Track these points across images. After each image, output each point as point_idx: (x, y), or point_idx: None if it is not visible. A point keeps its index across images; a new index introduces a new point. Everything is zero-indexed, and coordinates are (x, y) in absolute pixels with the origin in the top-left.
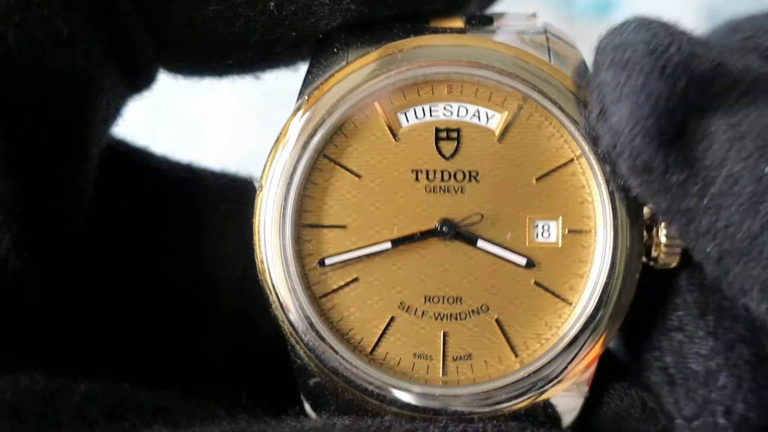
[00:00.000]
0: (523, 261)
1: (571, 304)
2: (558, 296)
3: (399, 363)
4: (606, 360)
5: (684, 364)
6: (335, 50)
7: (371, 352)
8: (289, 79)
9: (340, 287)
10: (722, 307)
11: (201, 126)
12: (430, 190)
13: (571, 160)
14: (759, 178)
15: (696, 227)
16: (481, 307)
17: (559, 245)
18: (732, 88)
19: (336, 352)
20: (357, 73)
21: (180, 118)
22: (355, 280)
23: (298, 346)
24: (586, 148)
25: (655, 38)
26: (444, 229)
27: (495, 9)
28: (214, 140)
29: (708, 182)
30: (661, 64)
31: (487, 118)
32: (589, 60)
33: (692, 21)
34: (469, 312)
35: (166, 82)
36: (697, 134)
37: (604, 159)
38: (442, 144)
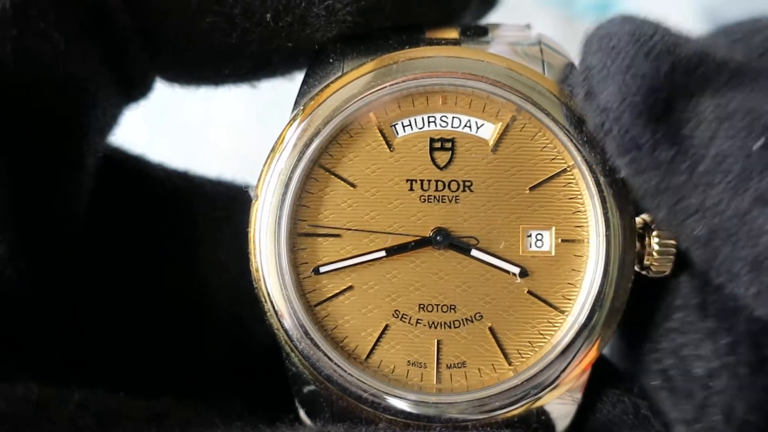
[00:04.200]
0: (516, 270)
1: (564, 312)
2: (551, 305)
3: (393, 371)
4: (599, 367)
5: (684, 367)
6: (331, 60)
7: (365, 360)
8: (290, 87)
9: (335, 295)
10: (723, 308)
11: (202, 133)
12: (425, 200)
13: (564, 170)
14: (747, 155)
15: (685, 206)
16: (475, 315)
17: (553, 254)
18: (718, 72)
19: (330, 359)
20: (353, 84)
21: (182, 126)
22: (350, 288)
23: (293, 354)
24: (579, 158)
25: (639, 28)
26: (438, 238)
27: (491, 19)
28: (215, 148)
29: (697, 160)
30: (645, 49)
31: (481, 128)
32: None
33: (692, 21)
34: (462, 320)
35: (167, 89)
36: (685, 113)
37: (590, 142)
38: (436, 154)
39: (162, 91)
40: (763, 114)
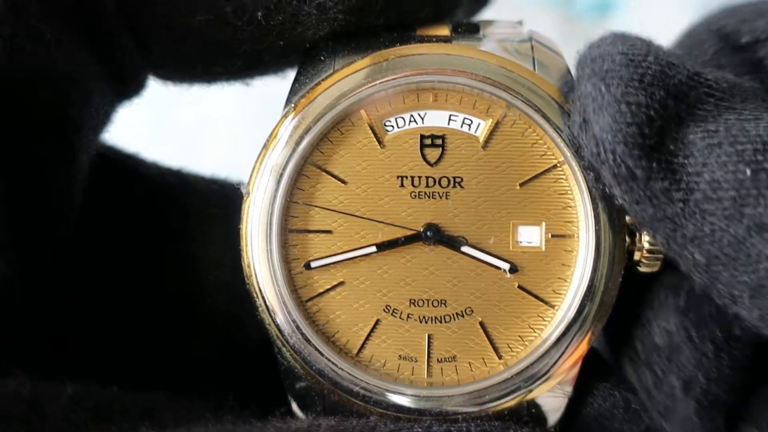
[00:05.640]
0: (506, 266)
1: (554, 306)
2: (541, 299)
3: (384, 365)
4: (590, 361)
5: (649, 338)
6: (322, 58)
7: (357, 355)
8: (285, 86)
9: (326, 291)
10: (694, 287)
11: (199, 133)
12: (415, 196)
13: (555, 166)
14: (740, 182)
15: (682, 234)
16: (465, 310)
17: (543, 249)
18: (709, 96)
19: (322, 354)
20: (344, 81)
21: (179, 126)
22: (341, 283)
23: (284, 349)
24: (569, 154)
25: (632, 49)
26: (428, 234)
27: (485, 15)
28: (212, 147)
29: (691, 188)
30: (639, 74)
31: (472, 125)
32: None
33: (691, 22)
34: (453, 315)
35: (164, 90)
36: (677, 142)
37: (587, 168)
38: (427, 151)
39: (160, 91)
40: (753, 139)
